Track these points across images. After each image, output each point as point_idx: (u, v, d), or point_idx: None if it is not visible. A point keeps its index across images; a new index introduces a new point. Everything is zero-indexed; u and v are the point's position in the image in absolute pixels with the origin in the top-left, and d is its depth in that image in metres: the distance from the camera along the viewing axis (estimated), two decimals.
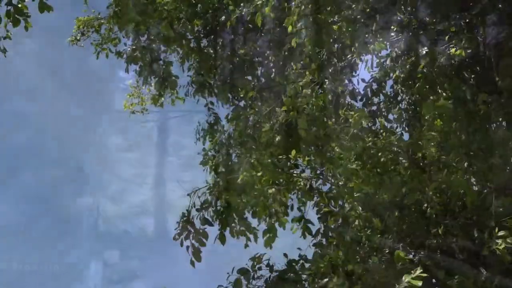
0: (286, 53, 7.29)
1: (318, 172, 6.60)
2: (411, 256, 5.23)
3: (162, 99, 9.46)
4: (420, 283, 4.56)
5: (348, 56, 6.85)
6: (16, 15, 6.99)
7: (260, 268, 6.20)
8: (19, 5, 6.96)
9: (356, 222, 5.36)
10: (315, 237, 6.52)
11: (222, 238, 6.82)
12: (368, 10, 6.11)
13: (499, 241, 4.60)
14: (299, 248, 6.40)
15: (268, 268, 6.20)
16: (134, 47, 8.83)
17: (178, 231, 6.81)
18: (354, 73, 7.30)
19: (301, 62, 6.63)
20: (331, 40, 6.51)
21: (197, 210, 6.85)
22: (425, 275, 4.62)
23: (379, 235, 5.40)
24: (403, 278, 4.62)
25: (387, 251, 5.24)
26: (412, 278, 4.58)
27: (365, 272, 5.08)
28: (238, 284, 6.01)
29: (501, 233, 4.61)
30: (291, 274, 6.00)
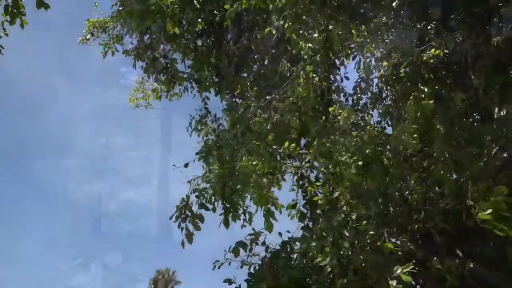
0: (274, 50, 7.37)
1: (307, 161, 6.67)
2: (397, 242, 5.32)
3: (170, 93, 9.50)
4: (410, 278, 4.66)
5: (339, 55, 6.91)
6: (14, 10, 6.97)
7: (257, 244, 6.29)
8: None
9: (344, 208, 5.39)
10: (302, 221, 6.61)
11: (226, 223, 6.89)
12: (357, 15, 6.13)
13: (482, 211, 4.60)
14: (288, 231, 6.51)
15: (264, 246, 6.29)
16: (139, 45, 8.90)
17: (176, 213, 6.88)
18: (338, 71, 7.40)
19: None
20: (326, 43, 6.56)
21: (196, 196, 6.92)
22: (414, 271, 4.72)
23: (364, 221, 5.45)
24: (395, 269, 4.70)
25: (372, 234, 5.28)
26: (403, 273, 4.68)
27: (353, 254, 5.13)
28: (236, 251, 6.10)
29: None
30: (283, 254, 6.08)
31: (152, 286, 75.77)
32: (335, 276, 5.03)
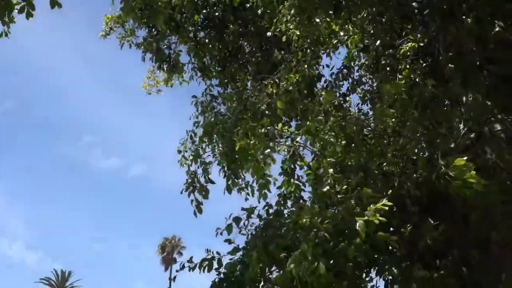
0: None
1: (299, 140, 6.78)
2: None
3: (172, 81, 9.67)
4: (386, 208, 4.74)
5: (324, 47, 7.00)
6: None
7: (252, 217, 6.38)
8: None
9: (329, 181, 5.48)
10: (298, 193, 6.78)
11: (228, 189, 7.05)
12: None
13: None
14: (279, 201, 6.67)
15: (258, 217, 6.39)
16: (146, 38, 9.05)
17: (185, 186, 7.00)
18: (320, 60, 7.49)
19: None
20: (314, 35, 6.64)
21: (203, 170, 7.05)
22: (390, 203, 4.81)
23: (348, 193, 5.55)
24: (370, 206, 4.80)
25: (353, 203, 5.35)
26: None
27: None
28: (229, 228, 6.17)
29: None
30: (277, 222, 6.19)
31: (160, 250, 75.72)
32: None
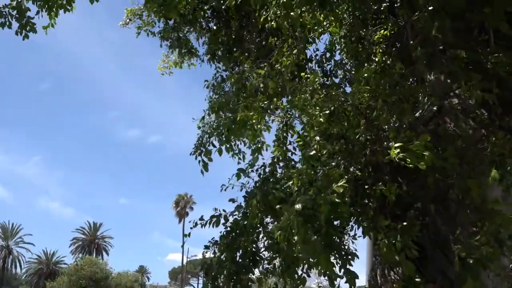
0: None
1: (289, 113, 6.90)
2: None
3: (182, 64, 9.83)
4: (341, 190, 4.88)
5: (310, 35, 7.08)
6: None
7: (252, 171, 6.53)
8: None
9: (315, 147, 5.56)
10: (285, 156, 6.94)
11: (219, 152, 7.25)
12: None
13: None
14: (264, 164, 6.83)
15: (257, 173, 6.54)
16: (164, 28, 9.20)
17: (194, 150, 7.18)
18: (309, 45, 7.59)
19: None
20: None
21: (208, 136, 7.20)
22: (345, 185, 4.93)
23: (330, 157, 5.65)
24: (333, 185, 4.94)
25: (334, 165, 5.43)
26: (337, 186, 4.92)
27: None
28: (239, 175, 6.33)
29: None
30: (273, 179, 6.33)
31: (175, 205, 76.40)
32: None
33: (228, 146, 7.46)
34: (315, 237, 4.90)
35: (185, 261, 77.10)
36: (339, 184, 4.87)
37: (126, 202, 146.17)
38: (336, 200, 4.83)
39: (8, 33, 7.71)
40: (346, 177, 5.27)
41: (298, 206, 4.86)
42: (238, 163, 7.51)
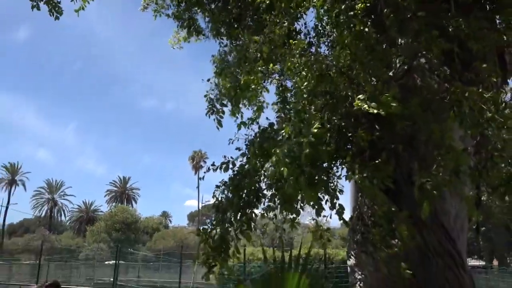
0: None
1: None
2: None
3: (190, 39, 9.79)
4: (319, 132, 4.96)
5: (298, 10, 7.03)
6: None
7: (253, 124, 6.59)
8: None
9: (304, 102, 5.60)
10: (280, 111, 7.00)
11: (233, 114, 7.28)
12: None
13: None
14: (267, 118, 6.91)
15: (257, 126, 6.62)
16: (177, 10, 9.15)
17: (207, 109, 7.24)
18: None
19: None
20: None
21: (216, 100, 7.24)
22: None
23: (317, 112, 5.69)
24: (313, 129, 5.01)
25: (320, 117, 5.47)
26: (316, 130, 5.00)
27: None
28: (239, 126, 6.44)
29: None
30: (270, 129, 6.40)
31: (191, 160, 76.30)
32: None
33: (234, 109, 7.50)
34: (301, 175, 5.01)
35: (200, 206, 78.33)
36: (315, 127, 4.94)
37: (149, 159, 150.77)
38: (314, 140, 4.93)
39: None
40: (329, 125, 5.35)
41: (285, 149, 5.00)
42: (236, 120, 7.58)
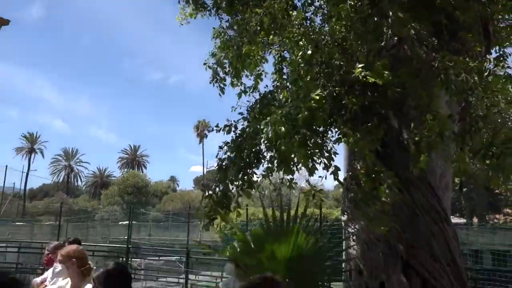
0: None
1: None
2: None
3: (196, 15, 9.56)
4: (317, 97, 4.94)
5: None
6: None
7: (254, 92, 6.56)
8: None
9: (300, 72, 5.55)
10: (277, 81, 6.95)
11: (233, 85, 7.21)
12: None
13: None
14: (266, 86, 6.86)
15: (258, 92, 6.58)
16: None
17: (211, 79, 7.17)
18: None
19: None
20: None
21: (220, 67, 7.18)
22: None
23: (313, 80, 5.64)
24: (311, 94, 4.99)
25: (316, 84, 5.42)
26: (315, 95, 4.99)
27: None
28: (240, 94, 6.42)
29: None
30: (269, 96, 6.39)
31: (195, 129, 76.27)
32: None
33: (235, 80, 7.41)
34: (295, 136, 5.00)
35: (205, 171, 78.89)
36: (316, 93, 4.91)
37: (157, 128, 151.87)
38: (314, 105, 4.87)
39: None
40: (325, 93, 5.32)
41: (282, 111, 4.98)
42: (243, 90, 7.47)
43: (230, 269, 6.01)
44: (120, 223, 44.67)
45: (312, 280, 4.75)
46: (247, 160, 6.15)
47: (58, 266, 4.75)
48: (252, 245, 5.10)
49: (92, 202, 67.56)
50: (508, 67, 6.48)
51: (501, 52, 6.75)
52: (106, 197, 61.42)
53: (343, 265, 6.12)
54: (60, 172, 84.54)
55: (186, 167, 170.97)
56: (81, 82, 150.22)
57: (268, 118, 4.97)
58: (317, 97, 4.90)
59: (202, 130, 77.92)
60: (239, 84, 7.43)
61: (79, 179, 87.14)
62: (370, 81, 4.88)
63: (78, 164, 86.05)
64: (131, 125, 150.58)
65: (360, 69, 4.77)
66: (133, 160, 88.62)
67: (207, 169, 78.62)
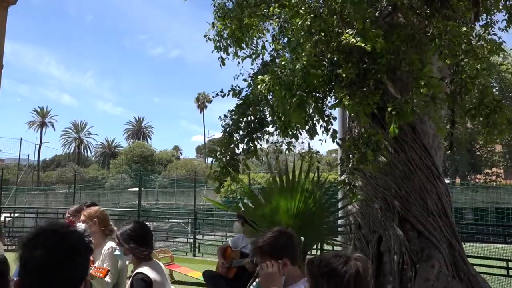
0: None
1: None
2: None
3: None
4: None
5: None
6: None
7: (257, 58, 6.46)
8: None
9: (300, 40, 5.45)
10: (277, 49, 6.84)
11: (235, 55, 7.07)
12: None
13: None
14: (269, 53, 6.73)
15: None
16: None
17: (214, 47, 7.05)
18: None
19: None
20: None
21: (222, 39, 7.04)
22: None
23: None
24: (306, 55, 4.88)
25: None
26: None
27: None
28: (243, 58, 6.29)
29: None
30: (272, 66, 6.30)
31: (196, 100, 75.52)
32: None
33: (238, 48, 7.23)
34: (292, 100, 4.93)
35: (206, 140, 79.26)
36: (308, 52, 4.83)
37: (160, 100, 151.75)
38: (307, 66, 4.82)
39: None
40: (324, 59, 5.24)
41: (277, 70, 4.93)
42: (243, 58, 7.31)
43: (238, 227, 6.07)
44: (129, 189, 44.95)
45: (316, 233, 4.80)
46: (251, 124, 6.12)
47: (81, 226, 4.78)
48: (262, 200, 5.13)
49: (101, 171, 67.68)
50: (495, 34, 6.41)
51: (488, 20, 6.66)
52: (114, 166, 61.54)
53: (340, 222, 6.17)
54: (70, 143, 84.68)
55: (188, 137, 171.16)
56: (86, 58, 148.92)
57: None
58: (309, 57, 4.80)
59: (202, 102, 77.69)
60: (240, 53, 7.28)
61: (88, 150, 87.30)
62: (366, 48, 4.79)
63: (87, 136, 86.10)
64: (135, 98, 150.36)
65: (350, 35, 4.66)
66: (139, 131, 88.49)
67: (208, 138, 79.15)
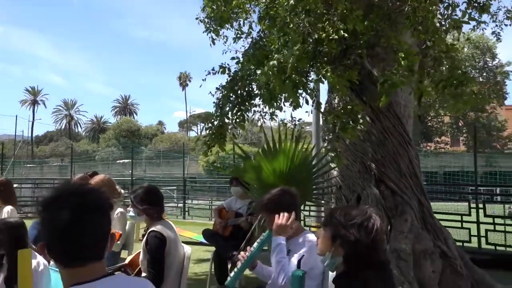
0: None
1: None
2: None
3: None
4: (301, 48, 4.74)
5: None
6: None
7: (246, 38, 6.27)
8: None
9: (286, 19, 5.27)
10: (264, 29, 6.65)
11: (216, 32, 6.87)
12: None
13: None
14: (258, 32, 6.52)
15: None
16: None
17: (205, 29, 6.82)
18: None
19: None
20: None
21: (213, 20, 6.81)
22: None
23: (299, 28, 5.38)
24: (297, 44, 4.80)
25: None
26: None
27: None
28: (234, 39, 6.16)
29: None
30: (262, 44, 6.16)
31: (178, 79, 73.66)
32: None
33: (226, 26, 6.95)
34: (287, 81, 4.88)
35: (188, 115, 78.68)
36: (297, 42, 4.76)
37: (144, 79, 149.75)
38: (298, 55, 4.73)
39: None
40: (309, 40, 5.13)
41: (274, 62, 4.84)
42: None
43: (238, 190, 6.05)
44: (118, 161, 44.27)
45: (305, 193, 4.82)
46: (239, 98, 6.02)
47: None
48: (255, 163, 5.11)
49: (92, 145, 66.39)
50: (456, 15, 6.39)
51: (450, 1, 6.62)
52: (104, 140, 60.50)
53: (325, 183, 6.20)
54: (61, 120, 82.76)
55: (170, 113, 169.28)
56: (75, 40, 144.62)
57: (259, 60, 4.79)
58: (300, 46, 4.73)
59: (184, 81, 76.61)
60: (230, 34, 7.05)
61: (79, 126, 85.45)
62: (348, 29, 4.73)
63: (77, 113, 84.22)
64: (121, 77, 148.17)
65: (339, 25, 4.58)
66: (125, 108, 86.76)
67: (190, 114, 78.65)
